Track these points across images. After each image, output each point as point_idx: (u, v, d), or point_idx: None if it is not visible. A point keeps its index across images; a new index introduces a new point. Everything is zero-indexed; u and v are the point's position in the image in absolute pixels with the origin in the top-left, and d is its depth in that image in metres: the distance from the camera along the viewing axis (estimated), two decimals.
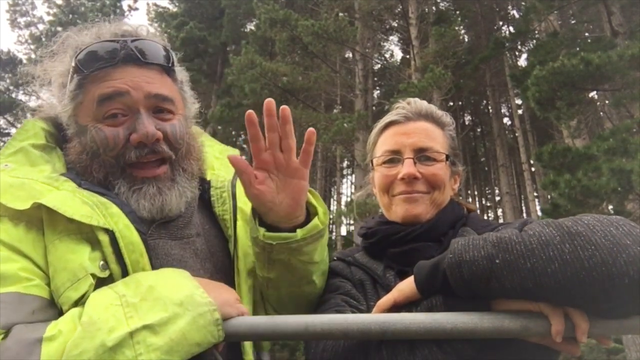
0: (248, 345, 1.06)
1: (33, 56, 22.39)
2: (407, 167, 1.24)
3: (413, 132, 1.29)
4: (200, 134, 1.23)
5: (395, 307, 0.98)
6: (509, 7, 23.45)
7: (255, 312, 1.17)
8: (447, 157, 1.31)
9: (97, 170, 1.01)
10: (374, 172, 1.39)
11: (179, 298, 0.81)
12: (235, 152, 1.28)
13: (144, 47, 1.06)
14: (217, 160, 1.25)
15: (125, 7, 23.73)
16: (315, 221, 1.05)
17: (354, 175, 18.28)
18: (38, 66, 1.14)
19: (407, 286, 0.99)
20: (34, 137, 1.07)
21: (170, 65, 1.10)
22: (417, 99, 1.39)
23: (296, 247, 1.03)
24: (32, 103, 21.17)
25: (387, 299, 1.00)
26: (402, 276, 1.08)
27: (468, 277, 0.87)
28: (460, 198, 1.46)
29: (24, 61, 22.02)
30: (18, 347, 0.72)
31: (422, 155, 1.27)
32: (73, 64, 1.04)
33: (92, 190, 0.97)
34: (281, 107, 0.97)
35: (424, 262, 0.99)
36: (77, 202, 0.90)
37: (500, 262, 0.84)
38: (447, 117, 1.38)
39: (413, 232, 1.21)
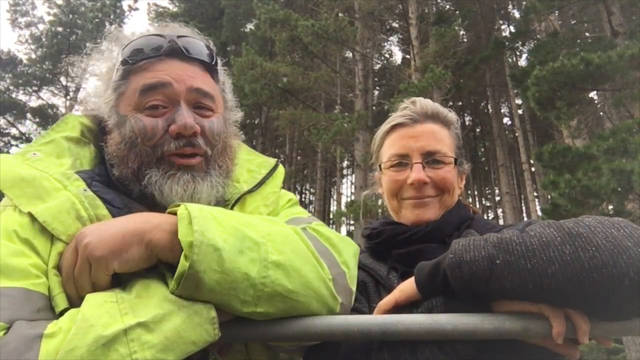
0: None
1: (33, 56, 22.40)
2: (416, 173, 1.24)
3: (421, 135, 1.28)
4: (239, 145, 1.22)
5: (397, 308, 0.98)
6: (509, 7, 23.46)
7: None
8: (456, 160, 1.30)
9: (132, 160, 1.01)
10: (380, 173, 1.38)
11: (173, 295, 0.80)
12: (271, 162, 1.23)
13: (189, 43, 1.09)
14: (249, 173, 1.20)
15: (125, 7, 23.73)
16: (182, 262, 0.81)
17: (354, 175, 18.29)
18: (89, 61, 1.17)
19: (408, 286, 0.99)
20: (70, 130, 1.09)
21: (213, 63, 1.13)
22: (421, 99, 1.38)
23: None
24: (33, 103, 21.19)
25: (388, 300, 0.99)
26: (405, 278, 1.08)
27: (468, 277, 0.87)
28: (466, 200, 1.45)
29: (24, 61, 22.02)
30: (17, 342, 0.72)
31: (430, 159, 1.26)
32: (120, 58, 1.07)
33: (100, 195, 0.96)
34: None
35: (425, 262, 0.99)
36: (70, 217, 0.90)
37: (501, 263, 0.84)
38: (452, 115, 1.37)
39: (418, 232, 1.21)
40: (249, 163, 1.23)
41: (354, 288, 1.01)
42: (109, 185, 1.03)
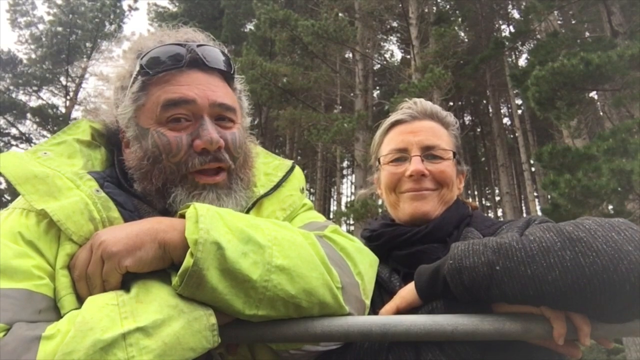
0: None
1: (33, 56, 22.39)
2: (415, 165, 1.24)
3: (419, 131, 1.30)
4: (256, 148, 1.21)
5: (398, 314, 0.97)
6: (509, 7, 23.45)
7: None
8: (454, 154, 1.31)
9: (156, 177, 1.00)
10: (379, 173, 1.38)
11: (174, 300, 0.80)
12: (287, 163, 1.23)
13: (208, 53, 1.07)
14: (266, 177, 1.19)
15: (125, 7, 23.69)
16: (187, 259, 0.81)
17: (354, 175, 18.28)
18: (92, 69, 1.16)
19: (408, 293, 0.99)
20: (81, 134, 1.09)
21: (231, 72, 1.12)
22: (422, 100, 1.39)
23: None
24: (33, 103, 21.17)
25: (390, 307, 1.00)
26: (407, 279, 1.08)
27: (469, 283, 0.87)
28: (462, 197, 1.46)
29: (24, 61, 22.01)
30: (16, 343, 0.72)
31: (429, 153, 1.27)
32: (137, 67, 1.04)
33: (112, 197, 0.96)
34: None
35: (424, 267, 0.98)
36: (84, 218, 0.90)
37: (501, 269, 0.84)
38: (450, 117, 1.39)
39: (418, 233, 1.20)
40: (266, 166, 1.22)
41: (367, 301, 0.99)
42: (120, 187, 1.02)
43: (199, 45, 1.06)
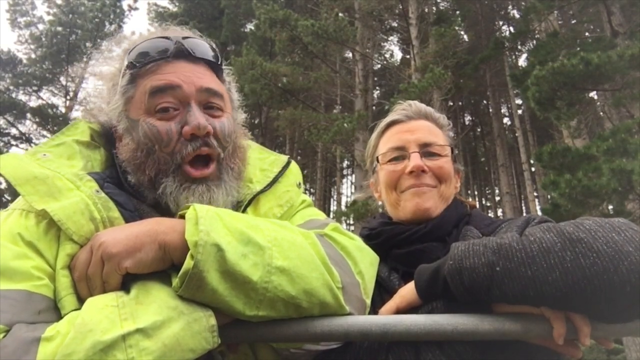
0: None
1: (33, 56, 22.39)
2: (414, 160, 1.25)
3: (416, 129, 1.31)
4: (249, 144, 1.21)
5: (398, 314, 0.97)
6: (509, 7, 23.46)
7: None
8: (452, 150, 1.32)
9: (150, 168, 1.00)
10: (375, 176, 1.39)
11: (174, 302, 0.80)
12: (283, 159, 1.23)
13: (194, 44, 1.09)
14: (262, 172, 1.18)
15: (125, 7, 23.67)
16: (187, 261, 0.81)
17: (354, 176, 18.29)
18: (91, 69, 1.16)
19: (408, 292, 0.99)
20: (80, 135, 1.09)
21: (219, 63, 1.13)
22: (416, 102, 1.41)
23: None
24: (32, 103, 21.17)
25: (389, 306, 1.00)
26: (406, 278, 1.08)
27: (469, 284, 0.87)
28: (461, 196, 1.46)
29: (24, 61, 22.00)
30: (15, 344, 0.72)
31: (427, 150, 1.28)
32: (126, 62, 1.06)
33: (112, 197, 0.96)
34: None
35: (425, 267, 0.99)
36: (84, 218, 0.90)
37: (501, 270, 0.84)
38: (444, 119, 1.40)
39: (418, 231, 1.20)
40: (261, 162, 1.21)
41: (368, 300, 0.99)
42: (120, 187, 1.02)
43: (185, 38, 1.08)
